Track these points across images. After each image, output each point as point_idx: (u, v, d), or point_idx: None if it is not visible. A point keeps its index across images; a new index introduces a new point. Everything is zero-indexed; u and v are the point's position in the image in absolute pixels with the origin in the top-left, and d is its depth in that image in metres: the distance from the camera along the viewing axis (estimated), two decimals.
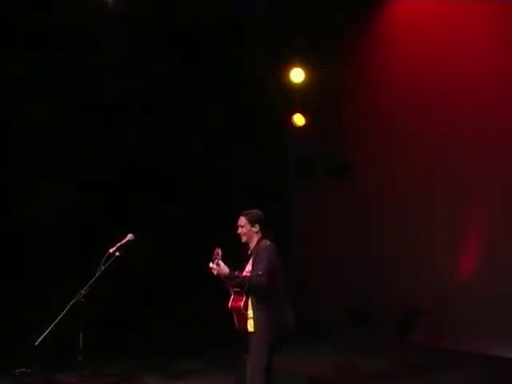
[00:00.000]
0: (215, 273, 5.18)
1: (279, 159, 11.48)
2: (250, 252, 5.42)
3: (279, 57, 10.38)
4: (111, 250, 5.23)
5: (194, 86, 10.75)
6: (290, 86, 10.37)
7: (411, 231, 9.34)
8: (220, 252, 5.19)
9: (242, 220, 5.44)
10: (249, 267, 5.30)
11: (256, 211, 5.52)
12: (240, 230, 5.43)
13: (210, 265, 5.16)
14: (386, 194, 9.76)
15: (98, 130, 10.50)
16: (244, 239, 5.44)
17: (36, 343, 4.98)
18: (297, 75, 10.26)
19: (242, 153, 11.10)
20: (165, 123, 10.90)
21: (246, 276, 5.24)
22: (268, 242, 5.37)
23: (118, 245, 5.27)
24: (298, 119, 10.46)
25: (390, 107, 9.67)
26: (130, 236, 5.34)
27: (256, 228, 5.41)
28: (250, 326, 5.28)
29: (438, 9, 8.91)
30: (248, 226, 5.41)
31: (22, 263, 10.26)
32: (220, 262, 5.16)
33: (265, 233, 5.43)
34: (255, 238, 5.42)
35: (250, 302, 5.26)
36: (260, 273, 5.13)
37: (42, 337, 4.98)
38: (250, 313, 5.26)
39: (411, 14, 9.38)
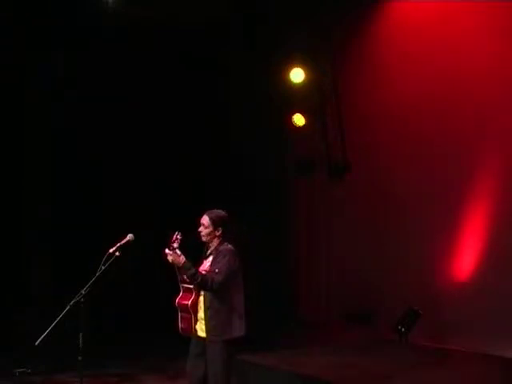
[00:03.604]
0: (170, 259, 5.03)
1: (279, 159, 11.49)
2: (208, 252, 5.33)
3: (279, 57, 10.39)
4: (111, 250, 5.22)
5: (193, 86, 10.76)
6: (289, 85, 10.38)
7: (411, 231, 9.34)
8: (180, 237, 5.06)
9: (206, 220, 5.32)
10: (206, 266, 5.20)
11: (220, 213, 5.39)
12: (201, 229, 5.32)
13: (166, 250, 5.03)
14: (386, 194, 9.76)
15: (96, 129, 10.52)
16: (204, 239, 5.34)
17: (36, 343, 4.97)
18: (297, 75, 10.27)
19: (241, 153, 11.12)
20: (164, 123, 10.91)
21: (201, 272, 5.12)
22: (229, 246, 5.28)
23: (118, 245, 5.26)
24: (298, 119, 10.46)
25: (391, 107, 9.68)
26: (130, 236, 5.33)
27: (218, 231, 5.30)
28: (201, 331, 5.17)
29: (438, 8, 8.91)
30: (211, 228, 5.29)
31: (22, 263, 10.28)
32: (177, 248, 5.02)
33: (227, 235, 5.34)
34: (216, 240, 5.33)
35: (201, 303, 5.17)
36: (217, 271, 5.06)
37: (42, 337, 4.98)
38: (201, 315, 5.17)
39: (412, 13, 9.38)
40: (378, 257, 9.72)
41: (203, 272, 5.14)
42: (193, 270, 5.06)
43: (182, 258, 5.04)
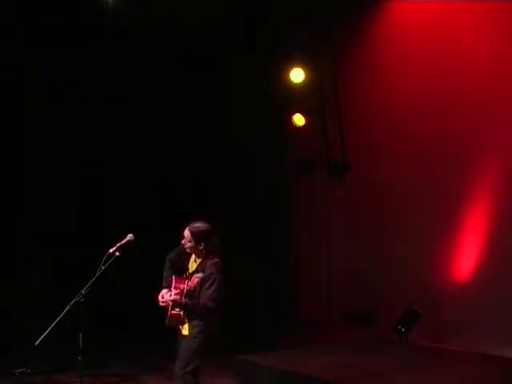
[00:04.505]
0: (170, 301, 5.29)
1: (279, 159, 11.49)
2: (195, 267, 5.45)
3: (279, 57, 10.39)
4: (111, 250, 5.23)
5: (193, 86, 10.76)
6: (290, 85, 10.37)
7: (411, 231, 9.34)
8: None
9: (188, 235, 5.42)
10: (195, 282, 5.32)
11: (202, 227, 5.46)
12: (184, 242, 5.44)
13: (167, 297, 5.30)
14: (386, 194, 9.76)
15: (96, 129, 10.51)
16: (188, 251, 5.48)
17: (36, 343, 4.97)
18: (297, 75, 10.27)
19: (241, 153, 11.12)
20: (164, 123, 10.91)
21: (190, 290, 5.30)
22: (215, 259, 5.41)
23: (118, 245, 5.27)
24: (298, 119, 10.46)
25: (391, 107, 9.68)
26: (130, 236, 5.34)
27: (201, 246, 5.40)
28: (185, 330, 5.42)
29: (438, 8, 8.91)
30: (193, 243, 5.39)
31: (22, 263, 10.27)
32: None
33: (211, 248, 5.45)
34: (201, 254, 5.44)
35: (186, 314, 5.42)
36: (208, 297, 5.27)
37: (42, 337, 4.98)
38: (186, 319, 5.40)
39: (412, 13, 9.39)
40: (378, 257, 9.72)
41: (192, 288, 5.30)
42: (192, 307, 5.30)
43: (182, 301, 5.29)
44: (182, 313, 5.36)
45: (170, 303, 5.29)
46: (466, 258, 8.71)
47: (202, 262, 5.42)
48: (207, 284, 5.30)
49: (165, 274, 5.54)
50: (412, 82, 9.32)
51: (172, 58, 10.70)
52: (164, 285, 5.49)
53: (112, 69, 10.20)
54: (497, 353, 7.74)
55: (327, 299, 10.76)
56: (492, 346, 7.82)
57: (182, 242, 5.45)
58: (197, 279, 5.29)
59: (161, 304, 5.41)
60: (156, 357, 8.92)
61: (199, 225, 5.47)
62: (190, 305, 5.28)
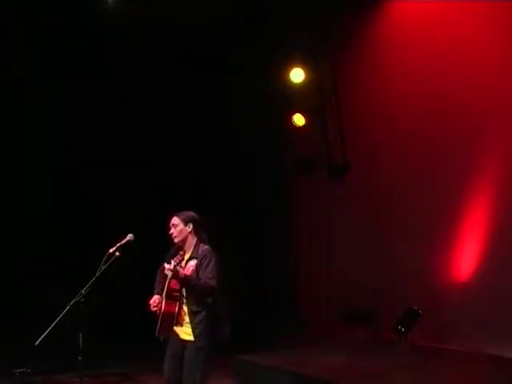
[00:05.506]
0: (169, 273, 5.07)
1: (279, 159, 11.49)
2: (188, 256, 5.32)
3: (279, 57, 10.39)
4: (111, 250, 5.22)
5: (193, 86, 10.76)
6: (290, 85, 10.38)
7: (411, 231, 9.35)
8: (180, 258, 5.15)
9: (175, 219, 5.35)
10: (189, 271, 5.19)
11: (189, 212, 5.42)
12: (173, 230, 5.35)
13: (166, 265, 5.09)
14: (386, 194, 9.76)
15: (96, 129, 10.52)
16: (177, 240, 5.35)
17: (36, 343, 4.97)
18: (297, 75, 10.27)
19: (241, 153, 11.12)
20: (164, 123, 10.91)
21: (191, 277, 5.15)
22: (207, 246, 5.31)
23: (118, 245, 5.26)
24: (298, 119, 10.46)
25: (391, 107, 9.68)
26: (130, 236, 5.33)
27: (189, 228, 5.32)
28: (185, 334, 5.24)
29: (439, 8, 8.92)
30: (181, 226, 5.31)
31: (21, 263, 10.28)
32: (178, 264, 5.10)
33: (200, 235, 5.37)
34: (190, 240, 5.35)
35: (185, 309, 5.23)
36: (210, 276, 5.12)
37: (42, 337, 4.98)
38: (187, 319, 5.23)
39: (412, 13, 9.39)
40: (378, 257, 9.72)
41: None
42: (193, 281, 5.13)
43: (183, 271, 5.13)
44: (176, 309, 5.20)
45: (169, 274, 5.07)
46: (466, 258, 8.71)
47: (193, 249, 5.32)
48: (203, 265, 5.18)
49: (156, 282, 5.43)
50: (412, 81, 9.33)
51: (172, 58, 10.70)
52: (155, 291, 5.37)
53: (112, 69, 10.20)
54: (497, 353, 7.74)
55: (327, 299, 10.77)
56: (492, 346, 7.83)
57: (170, 231, 5.36)
58: (191, 268, 5.21)
59: (152, 309, 5.27)
60: (156, 357, 8.90)
61: (186, 211, 5.44)
62: (190, 280, 5.09)
